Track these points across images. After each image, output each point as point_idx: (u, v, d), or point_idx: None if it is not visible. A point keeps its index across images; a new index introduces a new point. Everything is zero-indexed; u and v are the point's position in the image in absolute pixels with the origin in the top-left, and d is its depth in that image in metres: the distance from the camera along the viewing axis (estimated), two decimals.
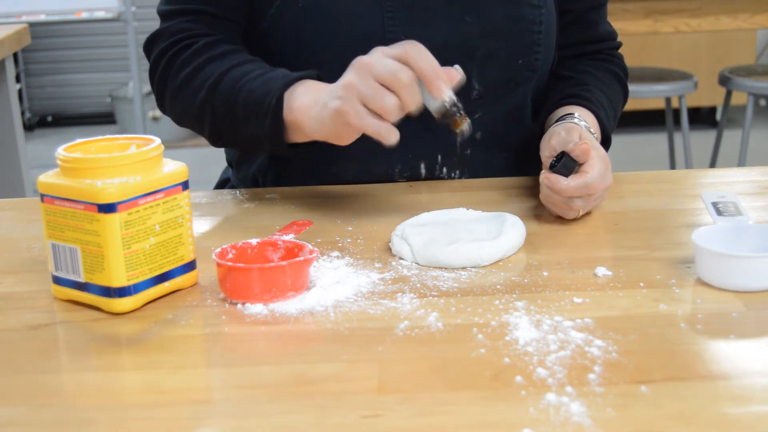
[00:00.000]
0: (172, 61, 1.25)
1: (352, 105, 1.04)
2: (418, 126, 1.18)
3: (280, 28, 1.25)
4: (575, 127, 1.17)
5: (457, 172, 1.31)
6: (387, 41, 1.21)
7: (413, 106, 1.04)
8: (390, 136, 1.04)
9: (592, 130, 1.21)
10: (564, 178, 1.10)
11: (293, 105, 1.13)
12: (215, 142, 1.27)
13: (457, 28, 1.25)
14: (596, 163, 1.11)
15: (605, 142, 1.28)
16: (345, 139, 1.10)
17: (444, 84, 1.05)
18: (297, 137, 1.15)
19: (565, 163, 1.11)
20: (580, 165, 1.11)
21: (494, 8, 1.26)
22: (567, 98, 1.30)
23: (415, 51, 1.04)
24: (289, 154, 1.18)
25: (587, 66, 1.38)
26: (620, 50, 1.44)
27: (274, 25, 1.25)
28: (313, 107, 1.11)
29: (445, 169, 1.30)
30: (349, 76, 1.06)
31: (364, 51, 1.21)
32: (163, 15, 1.29)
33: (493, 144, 1.32)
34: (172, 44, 1.26)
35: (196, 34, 1.25)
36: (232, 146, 1.33)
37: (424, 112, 1.20)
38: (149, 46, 1.30)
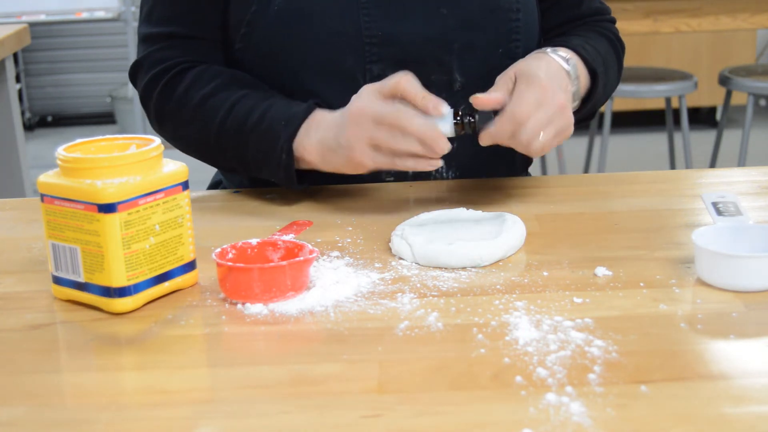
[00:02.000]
0: (164, 99, 1.26)
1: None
2: None
3: (258, 33, 1.24)
4: (531, 61, 1.16)
5: (445, 167, 1.30)
6: (364, 38, 1.21)
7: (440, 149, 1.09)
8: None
9: (561, 53, 1.20)
10: (490, 126, 1.11)
11: (304, 155, 1.17)
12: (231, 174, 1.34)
13: (433, 21, 1.24)
14: (523, 90, 1.11)
15: (593, 78, 1.26)
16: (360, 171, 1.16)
17: (437, 102, 1.10)
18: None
19: (481, 118, 1.12)
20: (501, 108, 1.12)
21: None
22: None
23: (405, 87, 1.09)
24: (300, 189, 1.24)
25: (569, 31, 1.37)
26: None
27: (251, 30, 1.24)
28: (326, 154, 1.16)
29: None
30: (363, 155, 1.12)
31: (342, 50, 1.22)
32: (141, 38, 1.30)
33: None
34: (156, 76, 1.27)
35: (178, 63, 1.26)
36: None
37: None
38: (134, 74, 1.32)
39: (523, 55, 1.30)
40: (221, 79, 1.25)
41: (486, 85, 1.29)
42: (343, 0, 1.22)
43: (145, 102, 1.30)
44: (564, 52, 1.21)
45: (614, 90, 1.39)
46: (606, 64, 1.31)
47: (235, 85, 1.24)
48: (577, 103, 1.23)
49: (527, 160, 1.41)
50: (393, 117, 1.08)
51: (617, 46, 1.38)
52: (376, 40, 1.22)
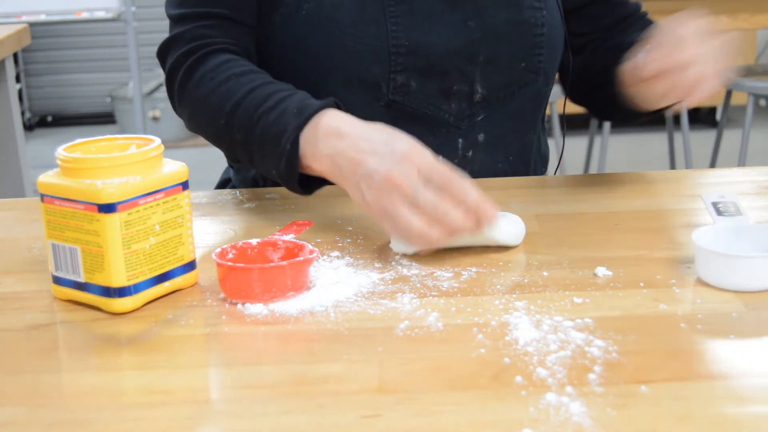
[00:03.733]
0: (191, 72, 1.20)
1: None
2: (420, 128, 1.18)
3: (284, 36, 1.24)
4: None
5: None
6: (390, 47, 1.21)
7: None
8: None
9: None
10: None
11: (307, 151, 1.06)
12: (234, 163, 1.27)
13: (460, 33, 1.24)
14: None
15: None
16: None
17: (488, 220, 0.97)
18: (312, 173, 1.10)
19: None
20: None
21: (496, 12, 1.26)
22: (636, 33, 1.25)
23: (460, 188, 0.96)
24: (302, 194, 1.12)
25: (630, 27, 1.35)
26: None
27: (277, 33, 1.24)
28: (333, 161, 1.03)
29: None
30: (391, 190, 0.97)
31: (367, 58, 1.21)
32: (176, 18, 1.24)
33: (495, 146, 1.32)
34: (190, 52, 1.21)
35: (214, 42, 1.21)
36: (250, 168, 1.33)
37: (429, 113, 1.20)
38: (164, 51, 1.25)
39: (545, 70, 1.30)
40: (255, 67, 1.20)
41: (506, 97, 1.30)
42: (372, 9, 1.21)
43: (171, 78, 1.23)
44: None
45: None
46: None
47: (267, 74, 1.18)
48: None
49: (543, 168, 1.41)
50: (447, 178, 0.96)
51: None
52: (402, 50, 1.22)
